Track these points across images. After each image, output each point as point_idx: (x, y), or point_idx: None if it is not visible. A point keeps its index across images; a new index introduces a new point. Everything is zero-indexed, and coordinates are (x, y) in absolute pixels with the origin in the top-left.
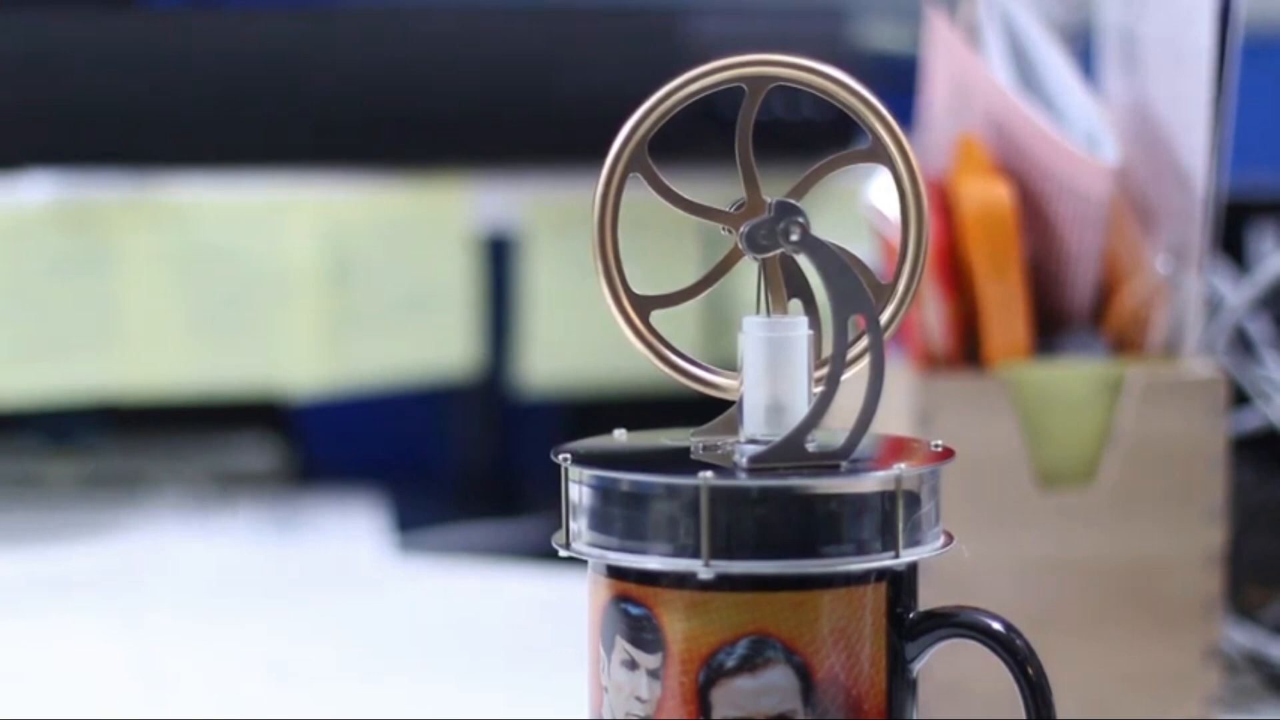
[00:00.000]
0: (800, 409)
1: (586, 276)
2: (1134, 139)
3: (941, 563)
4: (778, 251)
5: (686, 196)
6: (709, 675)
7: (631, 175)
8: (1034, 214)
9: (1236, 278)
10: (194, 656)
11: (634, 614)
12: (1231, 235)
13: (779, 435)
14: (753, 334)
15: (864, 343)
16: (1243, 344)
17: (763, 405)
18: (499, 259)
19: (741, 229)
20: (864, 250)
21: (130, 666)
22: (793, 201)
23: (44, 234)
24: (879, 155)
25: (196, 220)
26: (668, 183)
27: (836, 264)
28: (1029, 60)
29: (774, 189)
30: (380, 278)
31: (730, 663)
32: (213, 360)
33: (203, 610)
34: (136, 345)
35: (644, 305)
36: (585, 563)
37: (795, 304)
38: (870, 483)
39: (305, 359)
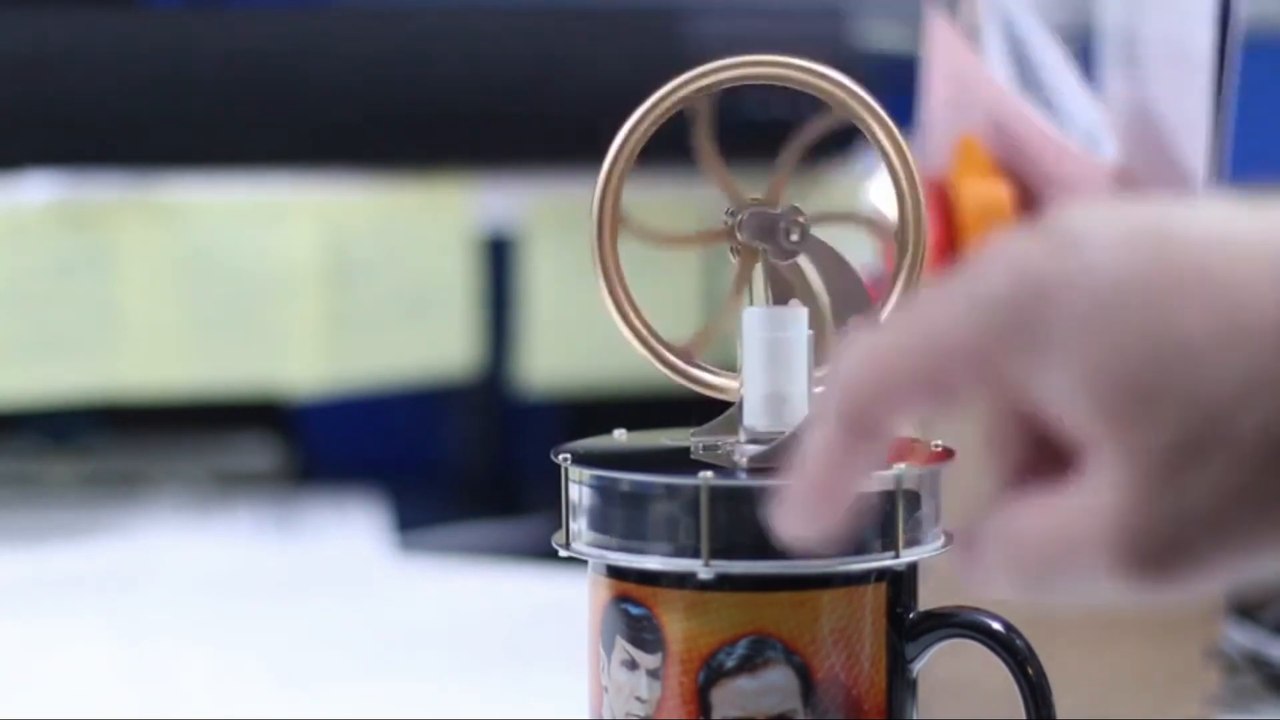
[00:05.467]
0: (801, 400)
1: (586, 276)
2: (1134, 139)
3: (941, 563)
4: (773, 251)
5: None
6: (709, 675)
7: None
8: (1034, 214)
9: None
10: (193, 656)
11: (634, 614)
12: None
13: (779, 427)
14: (752, 329)
15: None
16: None
17: (762, 395)
18: (499, 259)
19: (741, 221)
20: (864, 251)
21: (130, 666)
22: (794, 204)
23: (44, 234)
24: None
25: (196, 220)
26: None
27: (837, 264)
28: (1029, 60)
29: (759, 188)
30: (380, 278)
31: (730, 663)
32: (213, 360)
33: (202, 610)
34: (136, 345)
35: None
36: (585, 563)
37: (795, 304)
38: (870, 483)
39: (305, 359)
